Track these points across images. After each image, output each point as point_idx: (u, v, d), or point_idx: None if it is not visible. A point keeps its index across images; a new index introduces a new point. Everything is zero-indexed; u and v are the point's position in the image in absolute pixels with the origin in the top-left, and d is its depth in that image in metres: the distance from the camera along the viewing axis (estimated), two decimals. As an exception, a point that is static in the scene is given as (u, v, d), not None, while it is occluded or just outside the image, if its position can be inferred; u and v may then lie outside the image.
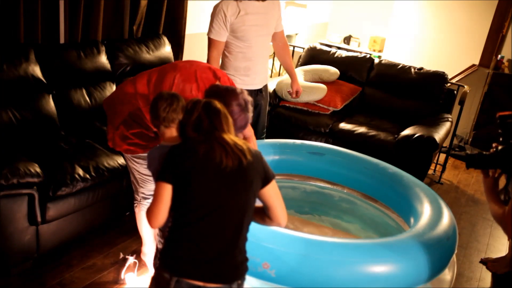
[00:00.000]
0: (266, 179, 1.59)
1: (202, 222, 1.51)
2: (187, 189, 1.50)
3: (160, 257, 1.56)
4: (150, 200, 2.34)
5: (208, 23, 2.85)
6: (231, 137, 1.57)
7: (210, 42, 2.83)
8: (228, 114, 1.64)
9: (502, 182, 2.31)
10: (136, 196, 2.41)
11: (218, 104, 1.62)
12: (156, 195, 1.55)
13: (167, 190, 1.53)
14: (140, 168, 2.30)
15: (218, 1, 2.81)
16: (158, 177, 1.55)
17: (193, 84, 2.13)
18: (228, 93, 1.92)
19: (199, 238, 1.51)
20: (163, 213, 1.55)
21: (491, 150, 2.09)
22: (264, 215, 1.66)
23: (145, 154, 2.12)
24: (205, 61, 2.97)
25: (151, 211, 1.56)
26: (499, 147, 2.02)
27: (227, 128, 1.58)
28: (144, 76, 2.25)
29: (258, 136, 3.21)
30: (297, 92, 3.32)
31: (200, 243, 1.51)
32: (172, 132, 1.83)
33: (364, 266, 2.01)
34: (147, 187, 2.34)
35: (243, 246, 1.59)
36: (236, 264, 1.55)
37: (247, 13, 2.78)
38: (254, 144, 2.38)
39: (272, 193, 1.61)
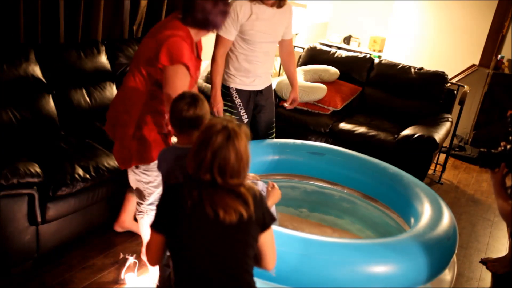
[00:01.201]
0: (264, 225, 1.49)
1: (201, 270, 1.44)
2: (178, 240, 1.45)
3: None
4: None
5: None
6: (235, 187, 1.42)
7: (219, 39, 2.82)
8: (245, 157, 1.43)
9: (508, 181, 2.31)
10: (142, 208, 2.37)
11: (238, 144, 1.40)
12: (149, 239, 1.52)
13: (158, 239, 1.49)
14: (153, 181, 2.28)
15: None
16: (151, 224, 1.50)
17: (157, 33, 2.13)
18: None
19: (203, 285, 1.45)
20: (158, 256, 1.53)
21: (499, 149, 2.10)
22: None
23: (156, 166, 2.08)
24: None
25: (147, 250, 1.55)
26: (508, 146, 2.02)
27: (232, 179, 1.42)
28: (127, 75, 2.25)
29: (265, 136, 3.20)
30: (292, 102, 3.18)
31: None
32: (184, 137, 1.82)
33: (364, 266, 2.01)
34: (155, 196, 2.33)
35: (251, 280, 1.51)
36: None
37: (258, 18, 2.78)
38: None
39: (267, 240, 1.51)
